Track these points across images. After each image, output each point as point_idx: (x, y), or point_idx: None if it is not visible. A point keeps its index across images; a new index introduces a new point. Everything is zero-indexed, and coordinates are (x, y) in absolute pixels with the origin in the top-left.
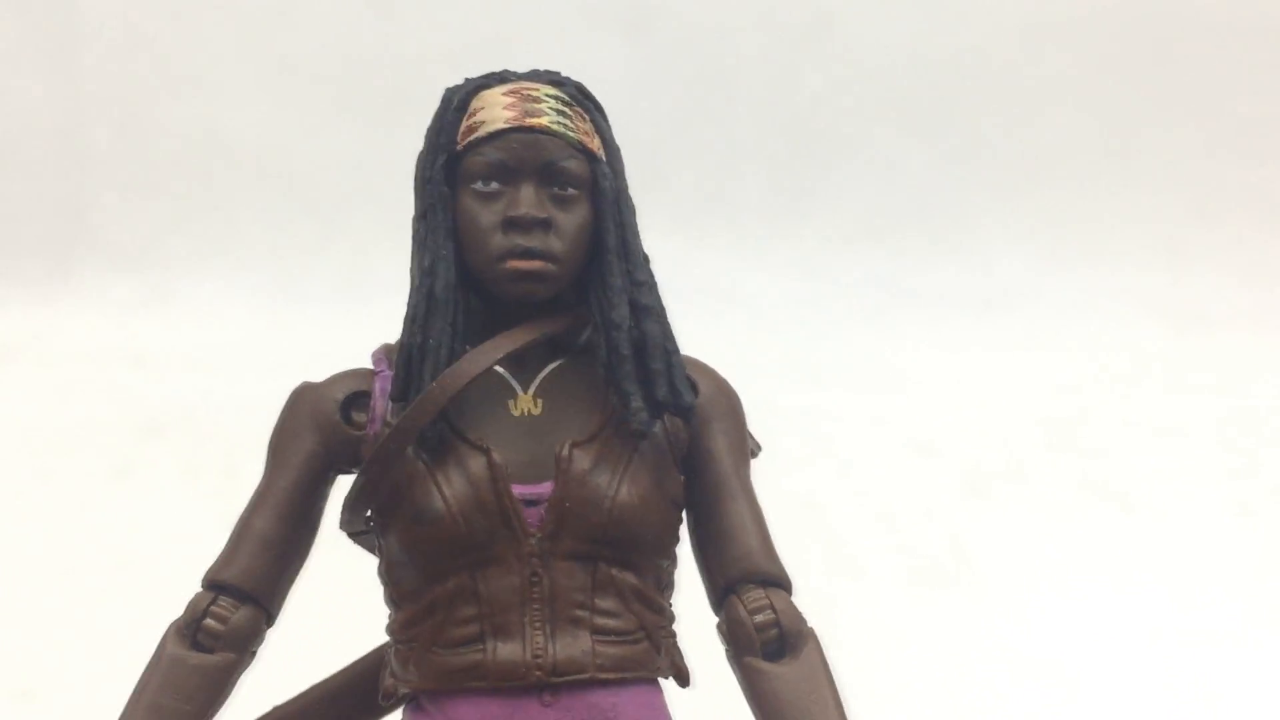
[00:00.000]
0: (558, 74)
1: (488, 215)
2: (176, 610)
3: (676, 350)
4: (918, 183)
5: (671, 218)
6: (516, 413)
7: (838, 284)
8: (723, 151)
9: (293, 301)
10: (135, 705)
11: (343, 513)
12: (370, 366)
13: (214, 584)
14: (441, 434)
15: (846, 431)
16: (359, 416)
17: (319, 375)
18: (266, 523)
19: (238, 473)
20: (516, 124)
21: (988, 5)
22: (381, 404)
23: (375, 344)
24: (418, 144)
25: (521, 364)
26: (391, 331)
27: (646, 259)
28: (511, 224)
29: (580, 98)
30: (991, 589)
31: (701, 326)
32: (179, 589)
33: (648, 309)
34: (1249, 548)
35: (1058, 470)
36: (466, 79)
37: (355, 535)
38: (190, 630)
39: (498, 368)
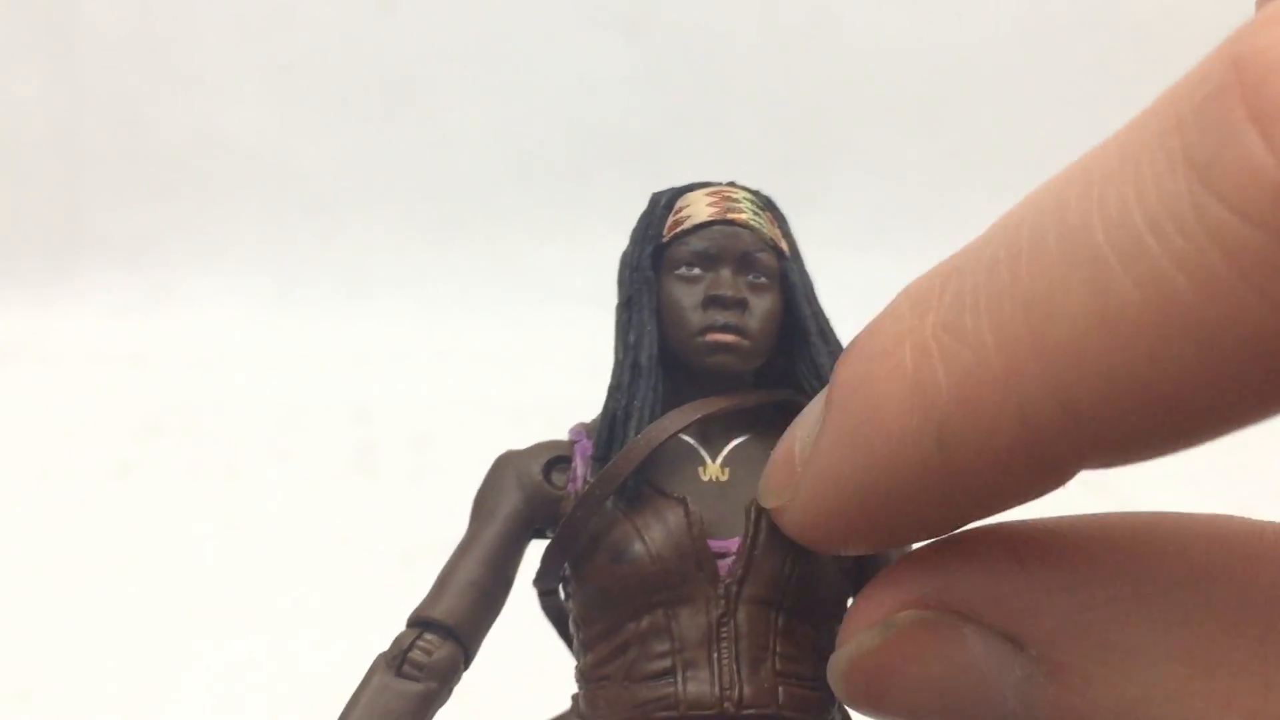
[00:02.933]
0: (750, 186)
1: (690, 296)
2: (176, 610)
3: None
4: (918, 183)
5: None
6: (706, 478)
7: (838, 284)
8: (723, 151)
9: (293, 301)
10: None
11: (541, 565)
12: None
13: (420, 621)
14: (640, 487)
15: None
16: (559, 478)
17: (323, 380)
18: (472, 568)
19: (238, 473)
20: (718, 217)
21: (988, 5)
22: (582, 466)
23: (375, 344)
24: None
25: (709, 437)
26: (391, 331)
27: (839, 341)
28: (712, 301)
29: (770, 205)
30: None
31: None
32: (179, 589)
33: None
34: None
35: None
36: (672, 187)
37: (544, 595)
38: (396, 662)
39: (689, 438)
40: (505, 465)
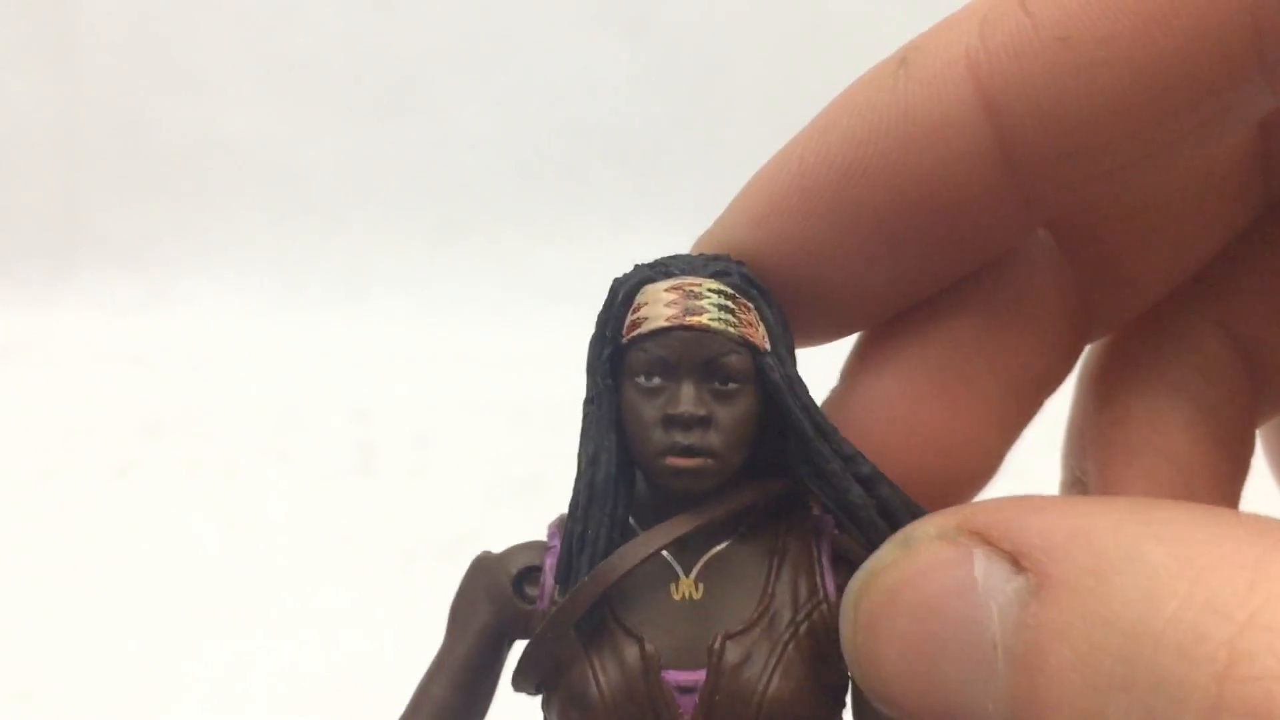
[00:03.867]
0: (724, 262)
1: (649, 410)
2: (176, 610)
3: (913, 502)
4: None
5: (672, 218)
6: (678, 596)
7: None
8: (723, 151)
9: (293, 301)
10: None
11: (514, 678)
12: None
13: None
14: (600, 620)
15: None
16: (531, 590)
17: (323, 380)
18: (443, 690)
19: (238, 473)
20: (677, 322)
21: None
22: (550, 581)
23: (375, 344)
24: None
25: (685, 545)
26: (390, 331)
27: (835, 429)
28: (671, 421)
29: (745, 286)
30: None
31: None
32: (179, 589)
33: (871, 476)
34: None
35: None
36: (636, 267)
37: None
38: None
39: (662, 551)
40: (479, 573)
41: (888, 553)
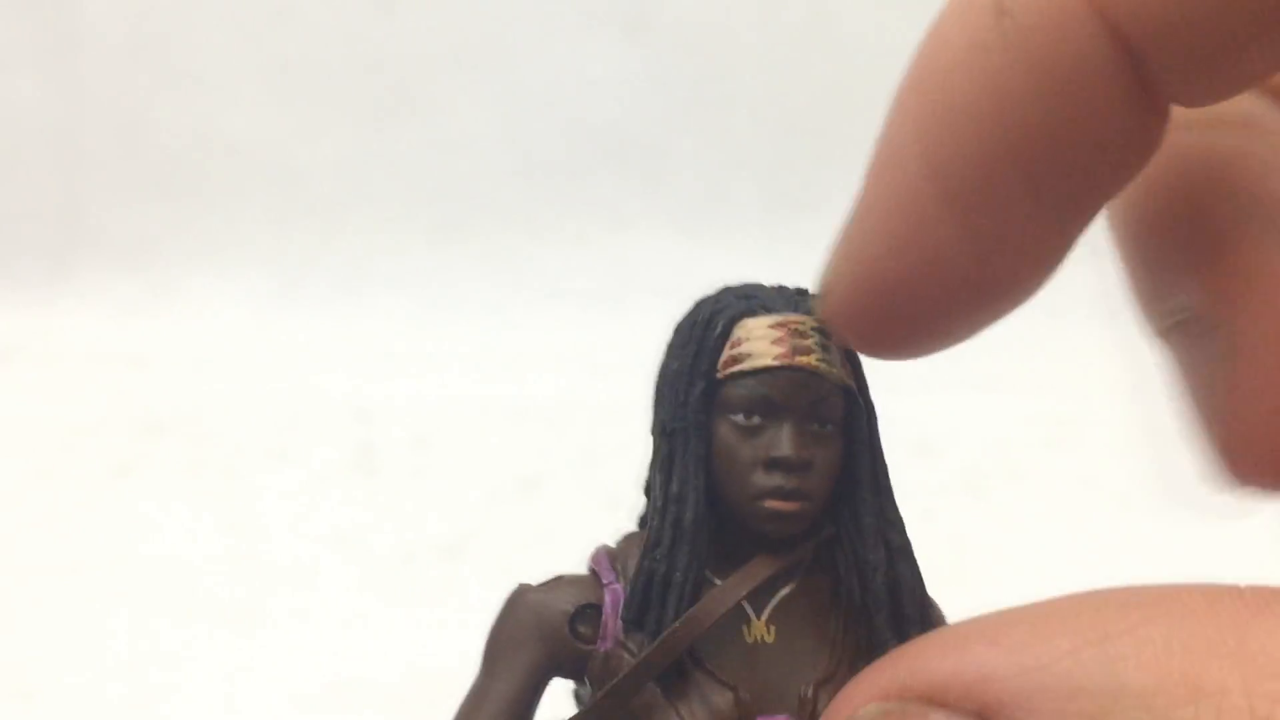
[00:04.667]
0: (811, 297)
1: (748, 450)
2: (176, 610)
3: (927, 594)
4: None
5: (671, 218)
6: (750, 639)
7: None
8: (723, 151)
9: (293, 301)
10: None
11: None
12: (588, 570)
13: None
14: (682, 666)
15: None
16: (586, 630)
17: (323, 380)
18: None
19: (238, 473)
20: (787, 361)
21: None
22: (613, 622)
23: (375, 344)
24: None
25: (755, 590)
26: (390, 331)
27: (891, 489)
28: (775, 464)
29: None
30: (991, 588)
31: None
32: (179, 589)
33: (901, 550)
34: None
35: (1057, 470)
36: (724, 292)
37: None
38: None
39: None
40: (525, 609)
41: None
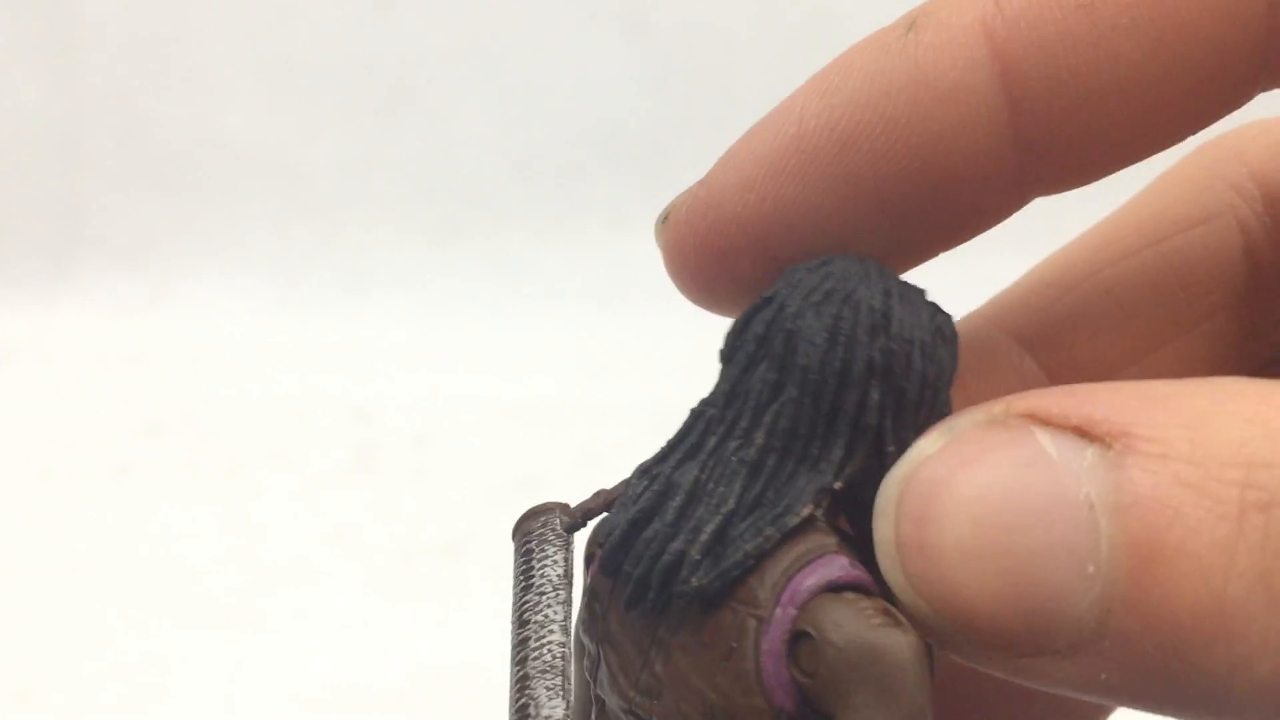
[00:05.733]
0: None
1: None
2: (177, 610)
3: None
4: None
5: None
6: None
7: None
8: (723, 151)
9: (293, 301)
10: None
11: None
12: None
13: None
14: None
15: None
16: None
17: (323, 380)
18: None
19: (238, 473)
20: None
21: None
22: None
23: (375, 343)
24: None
25: None
26: (391, 331)
27: None
28: None
29: None
30: None
31: (702, 327)
32: (179, 589)
33: None
34: None
35: None
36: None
37: None
38: None
39: None
40: None
41: (929, 442)
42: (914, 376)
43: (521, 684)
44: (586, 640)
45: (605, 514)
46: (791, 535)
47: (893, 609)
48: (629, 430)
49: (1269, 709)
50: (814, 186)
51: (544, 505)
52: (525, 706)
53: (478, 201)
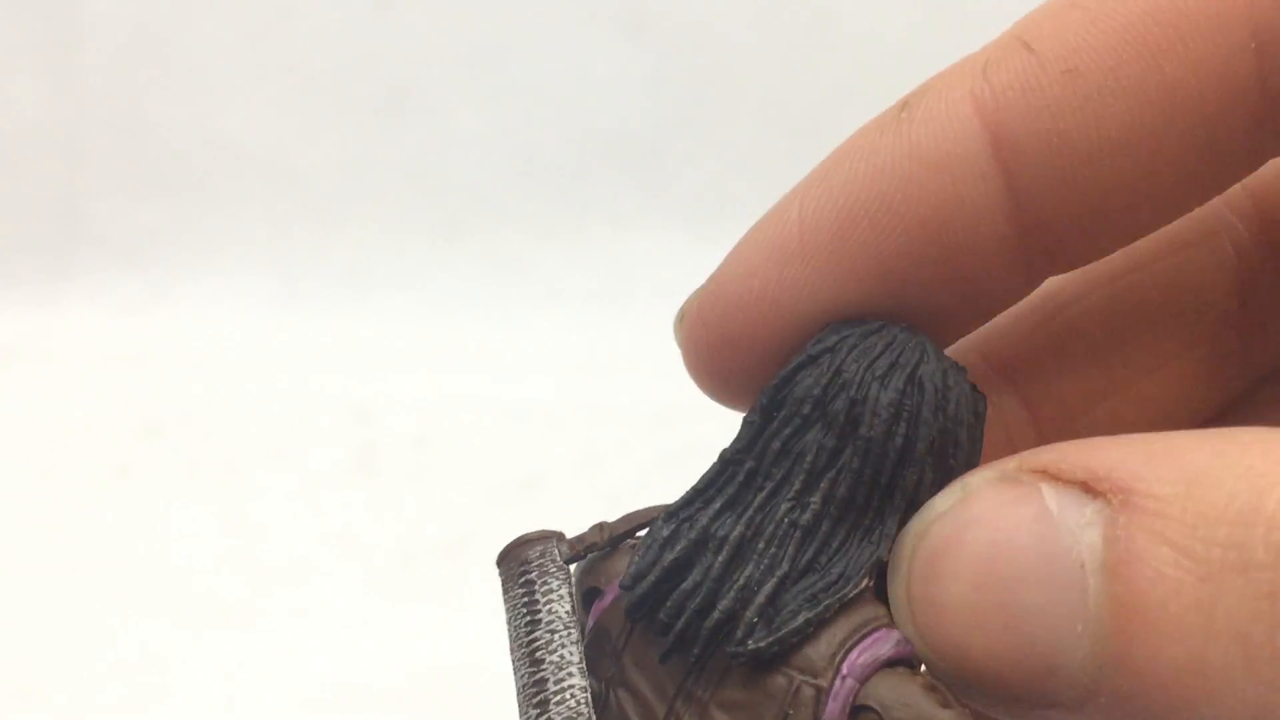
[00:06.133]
0: None
1: None
2: (177, 610)
3: None
4: None
5: (672, 218)
6: None
7: None
8: (723, 151)
9: (293, 301)
10: None
11: None
12: None
13: None
14: None
15: None
16: None
17: (323, 380)
18: None
19: (238, 473)
20: None
21: (989, 5)
22: None
23: (375, 343)
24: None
25: None
26: (390, 330)
27: None
28: None
29: None
30: None
31: None
32: (179, 589)
33: None
34: None
35: None
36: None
37: None
38: None
39: None
40: None
41: (943, 500)
42: (960, 455)
43: None
44: (590, 679)
45: (605, 550)
46: (847, 604)
47: (940, 686)
48: (629, 430)
49: None
50: (818, 267)
51: (538, 533)
52: None
53: (478, 201)
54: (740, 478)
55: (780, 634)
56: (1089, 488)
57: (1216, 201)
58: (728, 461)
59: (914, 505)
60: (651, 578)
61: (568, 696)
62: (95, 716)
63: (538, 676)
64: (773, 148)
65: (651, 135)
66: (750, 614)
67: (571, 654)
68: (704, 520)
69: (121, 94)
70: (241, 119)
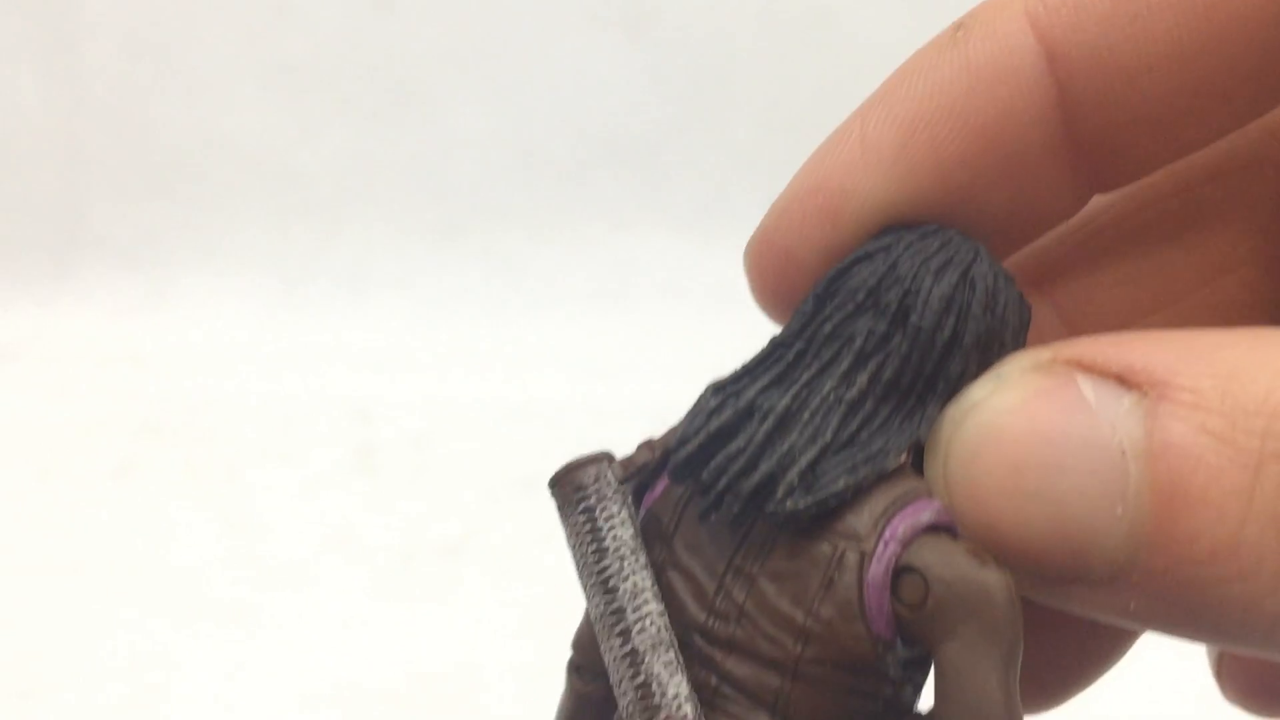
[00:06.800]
0: None
1: None
2: (177, 610)
3: None
4: None
5: (671, 218)
6: None
7: None
8: (723, 151)
9: (293, 301)
10: None
11: None
12: None
13: None
14: None
15: None
16: None
17: (323, 380)
18: None
19: (238, 473)
20: None
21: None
22: None
23: (375, 344)
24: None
25: None
26: (391, 331)
27: None
28: None
29: None
30: None
31: (702, 327)
32: (179, 589)
33: None
34: None
35: None
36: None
37: None
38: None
39: None
40: None
41: (979, 389)
42: (1004, 355)
43: (633, 659)
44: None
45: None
46: (886, 477)
47: (981, 550)
48: (629, 430)
49: (1277, 647)
50: (879, 178)
51: (590, 456)
52: (647, 685)
53: (478, 201)
54: (789, 358)
55: (819, 496)
56: (1124, 380)
57: (1257, 128)
58: (777, 344)
59: (956, 395)
60: (697, 441)
61: (648, 624)
62: (95, 716)
63: (614, 606)
64: (772, 148)
65: (651, 135)
66: (791, 477)
67: (643, 580)
68: (751, 393)
69: (121, 94)
70: (241, 119)
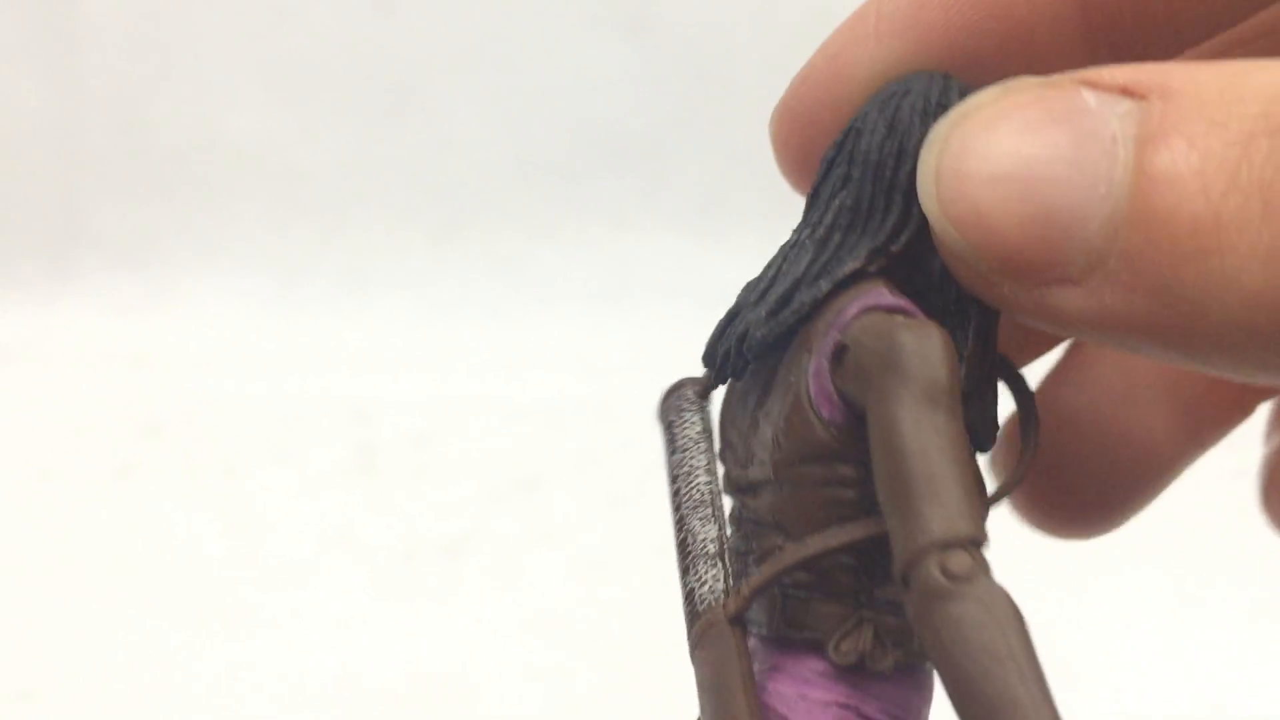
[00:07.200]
0: None
1: None
2: (176, 610)
3: None
4: None
5: (672, 218)
6: None
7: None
8: (723, 151)
9: (293, 301)
10: (1025, 681)
11: None
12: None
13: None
14: None
15: None
16: None
17: (323, 380)
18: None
19: (237, 473)
20: None
21: None
22: None
23: (375, 344)
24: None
25: None
26: (391, 331)
27: None
28: None
29: None
30: None
31: (702, 326)
32: (179, 589)
33: None
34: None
35: None
36: None
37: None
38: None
39: None
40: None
41: (985, 93)
42: None
43: (680, 524)
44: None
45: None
46: (845, 286)
47: (916, 320)
48: (629, 430)
49: (1253, 336)
50: (891, 45)
51: (677, 382)
52: (685, 541)
53: (478, 201)
54: (790, 238)
55: (780, 318)
56: (1128, 90)
57: None
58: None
59: (914, 195)
60: (715, 329)
61: (694, 493)
62: (95, 716)
63: (674, 489)
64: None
65: (651, 135)
66: (759, 312)
67: (699, 461)
68: (761, 274)
69: (121, 94)
70: (241, 119)
